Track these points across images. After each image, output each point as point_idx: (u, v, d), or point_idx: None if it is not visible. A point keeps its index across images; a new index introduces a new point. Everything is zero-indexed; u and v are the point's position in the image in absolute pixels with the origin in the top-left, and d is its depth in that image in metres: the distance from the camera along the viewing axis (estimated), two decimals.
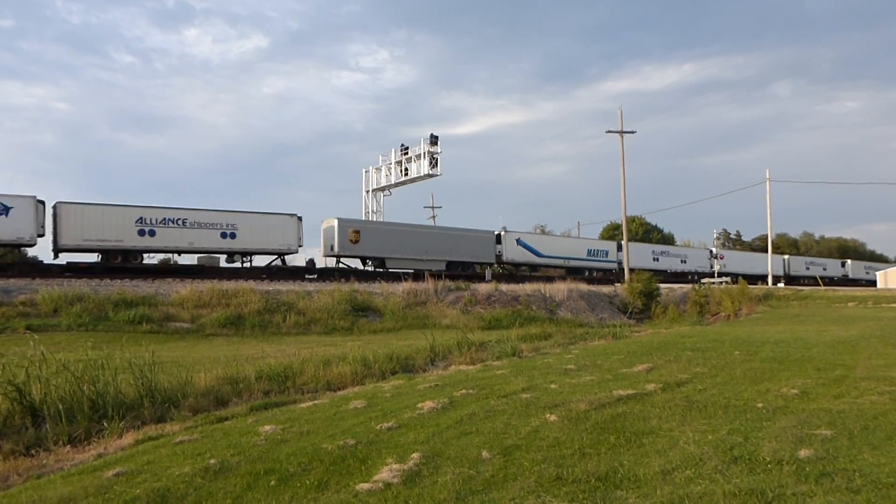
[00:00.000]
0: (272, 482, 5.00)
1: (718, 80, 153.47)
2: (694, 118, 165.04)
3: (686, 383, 8.59)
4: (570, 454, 5.35)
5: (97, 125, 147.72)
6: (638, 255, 52.62)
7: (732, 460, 5.03)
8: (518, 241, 47.16)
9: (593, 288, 37.84)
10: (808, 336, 15.19)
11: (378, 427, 6.57)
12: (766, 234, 59.82)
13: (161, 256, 35.50)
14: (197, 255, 34.99)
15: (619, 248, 51.67)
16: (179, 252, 34.70)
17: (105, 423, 7.62)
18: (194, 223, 33.76)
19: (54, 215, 29.91)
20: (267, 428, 6.81)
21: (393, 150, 46.07)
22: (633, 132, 46.78)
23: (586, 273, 49.70)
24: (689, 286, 39.22)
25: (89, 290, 22.79)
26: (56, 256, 30.92)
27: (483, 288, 31.97)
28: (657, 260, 56.88)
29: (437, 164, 43.28)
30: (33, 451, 6.92)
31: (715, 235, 73.14)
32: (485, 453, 5.44)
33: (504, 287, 32.88)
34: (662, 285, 38.48)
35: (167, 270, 33.61)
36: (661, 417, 6.56)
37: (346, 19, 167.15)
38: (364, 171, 48.44)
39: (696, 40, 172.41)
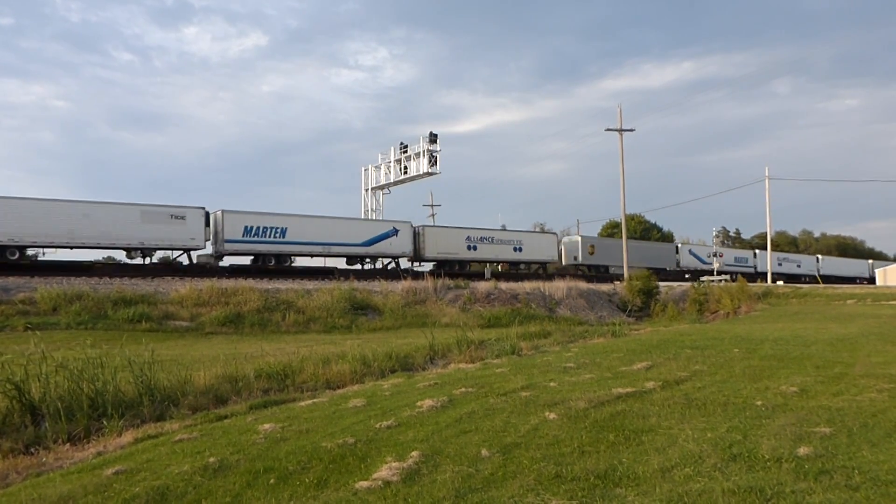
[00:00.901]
0: (271, 480, 5.00)
1: (718, 77, 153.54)
2: (693, 116, 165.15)
3: (685, 381, 8.59)
4: (569, 452, 5.35)
5: (96, 123, 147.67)
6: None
7: (731, 458, 5.03)
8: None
9: (592, 286, 37.87)
10: (807, 334, 15.20)
11: (377, 425, 6.57)
12: (766, 232, 59.85)
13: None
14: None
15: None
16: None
17: (104, 422, 7.63)
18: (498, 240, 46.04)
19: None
20: (266, 426, 6.81)
21: (392, 148, 46.04)
22: (632, 130, 46.92)
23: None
24: (689, 284, 39.23)
25: (88, 289, 22.78)
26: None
27: (482, 286, 31.98)
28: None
29: (436, 162, 43.24)
30: (33, 450, 6.93)
31: (714, 233, 73.10)
32: (484, 451, 5.45)
33: (503, 285, 32.90)
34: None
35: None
36: (660, 415, 6.57)
37: (346, 17, 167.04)
38: (363, 169, 48.41)
39: (695, 38, 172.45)
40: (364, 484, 4.77)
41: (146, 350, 9.38)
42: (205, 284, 25.38)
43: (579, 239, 51.36)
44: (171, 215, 32.47)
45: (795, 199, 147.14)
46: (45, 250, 33.24)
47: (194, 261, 34.81)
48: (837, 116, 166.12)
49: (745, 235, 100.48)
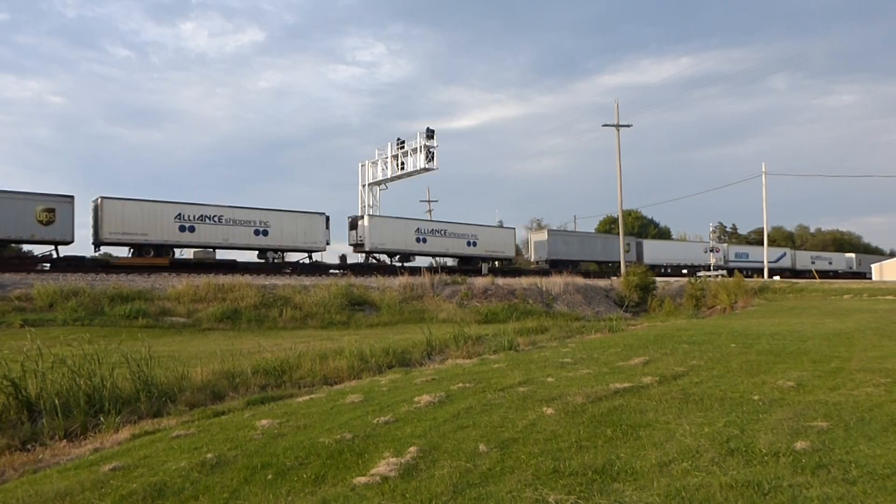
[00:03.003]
0: (269, 476, 4.99)
1: (715, 73, 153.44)
2: (691, 112, 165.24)
3: (682, 376, 8.60)
4: (566, 447, 5.35)
5: (93, 119, 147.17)
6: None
7: (729, 452, 5.04)
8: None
9: (590, 281, 37.91)
10: (804, 328, 15.23)
11: (375, 421, 6.56)
12: (762, 228, 59.98)
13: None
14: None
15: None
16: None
17: (101, 418, 7.61)
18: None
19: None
20: (264, 422, 6.80)
21: (389, 144, 45.92)
22: (629, 125, 46.70)
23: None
24: (685, 279, 39.30)
25: (85, 285, 22.72)
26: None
27: (479, 282, 31.99)
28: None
29: (433, 158, 43.15)
30: (29, 446, 6.91)
31: (711, 229, 73.36)
32: (482, 447, 5.44)
33: (500, 281, 32.92)
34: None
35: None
36: (657, 410, 6.57)
37: (343, 13, 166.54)
38: (360, 165, 48.28)
39: (693, 34, 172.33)
40: (362, 479, 4.76)
41: (143, 346, 9.36)
42: (201, 280, 25.33)
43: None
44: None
45: (792, 195, 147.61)
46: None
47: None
48: (834, 112, 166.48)
49: (743, 230, 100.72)
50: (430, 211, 66.78)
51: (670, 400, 7.03)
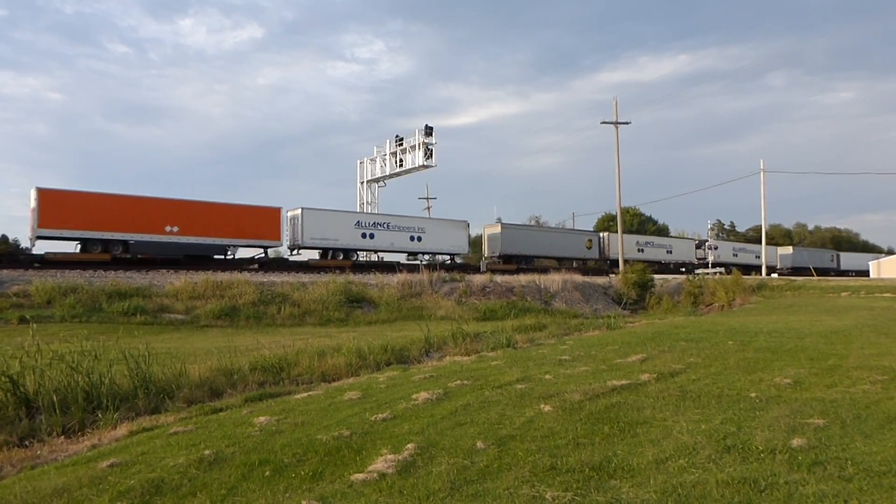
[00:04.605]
0: (267, 473, 5.00)
1: (714, 70, 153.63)
2: (689, 109, 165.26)
3: (680, 373, 8.62)
4: (564, 444, 5.36)
5: (91, 115, 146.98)
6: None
7: (725, 449, 5.05)
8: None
9: (588, 279, 37.90)
10: (802, 326, 15.25)
11: (373, 418, 6.57)
12: (760, 225, 60.05)
13: None
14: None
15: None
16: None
17: (99, 414, 7.61)
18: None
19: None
20: (262, 419, 6.81)
21: (388, 141, 45.95)
22: (627, 123, 46.78)
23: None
24: (683, 277, 39.33)
25: (83, 282, 22.70)
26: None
27: (478, 279, 31.99)
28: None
29: (431, 155, 43.18)
30: (27, 442, 6.92)
31: (709, 226, 73.45)
32: (479, 444, 5.45)
33: (499, 278, 32.92)
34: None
35: None
36: (654, 407, 6.58)
37: (342, 9, 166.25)
38: (359, 162, 48.32)
39: (691, 31, 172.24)
40: (359, 476, 4.77)
41: (141, 343, 9.35)
42: (200, 278, 25.31)
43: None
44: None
45: (790, 192, 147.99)
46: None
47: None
48: (832, 109, 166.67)
49: (741, 228, 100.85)
50: (428, 208, 66.81)
51: (667, 397, 7.04)
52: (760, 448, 5.04)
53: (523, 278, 34.08)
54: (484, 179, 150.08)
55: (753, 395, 7.07)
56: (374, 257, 43.78)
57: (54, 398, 7.65)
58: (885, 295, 27.67)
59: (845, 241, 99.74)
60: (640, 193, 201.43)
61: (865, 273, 59.45)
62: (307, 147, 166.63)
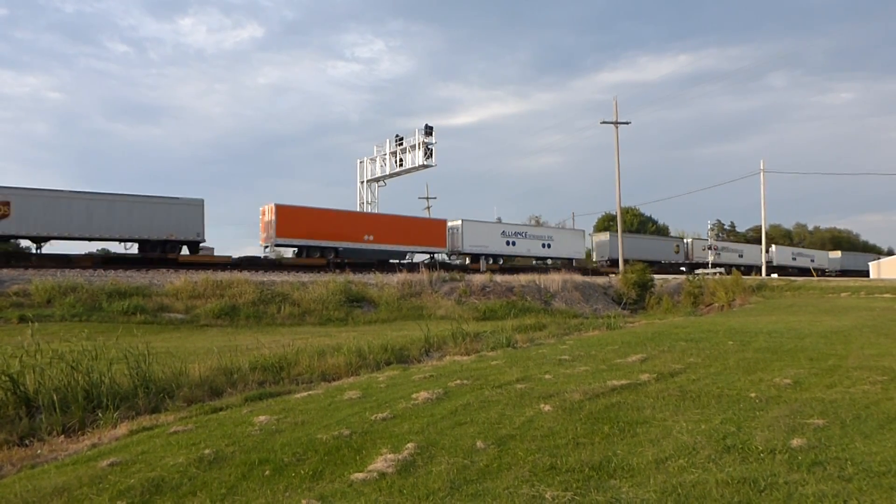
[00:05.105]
0: (267, 472, 5.00)
1: (714, 71, 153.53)
2: (689, 109, 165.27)
3: (680, 373, 8.62)
4: (564, 444, 5.36)
5: (91, 115, 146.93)
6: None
7: (725, 449, 5.05)
8: None
9: (588, 279, 37.91)
10: (801, 326, 15.26)
11: (373, 417, 6.57)
12: (760, 225, 60.04)
13: None
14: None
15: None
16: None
17: (99, 414, 7.61)
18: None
19: None
20: (262, 418, 6.81)
21: (388, 140, 45.89)
22: (627, 123, 46.82)
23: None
24: (683, 277, 39.31)
25: (83, 281, 22.68)
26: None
27: (478, 279, 31.97)
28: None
29: (431, 154, 43.13)
30: (27, 441, 6.92)
31: (709, 226, 73.43)
32: (479, 443, 5.45)
33: (499, 278, 32.91)
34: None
35: None
36: (654, 407, 6.59)
37: (342, 9, 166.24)
38: (359, 161, 48.24)
39: (691, 31, 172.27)
40: (359, 475, 4.77)
41: (141, 342, 9.35)
42: (200, 277, 25.31)
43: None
44: None
45: (790, 192, 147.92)
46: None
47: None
48: (833, 110, 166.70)
49: (741, 228, 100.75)
50: (428, 208, 66.78)
51: (667, 397, 7.05)
52: (760, 448, 5.04)
53: (523, 278, 34.06)
54: (484, 179, 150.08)
55: (753, 395, 7.07)
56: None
57: (54, 397, 7.65)
58: (884, 295, 27.67)
59: (845, 242, 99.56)
60: (640, 193, 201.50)
61: None
62: (307, 146, 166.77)
